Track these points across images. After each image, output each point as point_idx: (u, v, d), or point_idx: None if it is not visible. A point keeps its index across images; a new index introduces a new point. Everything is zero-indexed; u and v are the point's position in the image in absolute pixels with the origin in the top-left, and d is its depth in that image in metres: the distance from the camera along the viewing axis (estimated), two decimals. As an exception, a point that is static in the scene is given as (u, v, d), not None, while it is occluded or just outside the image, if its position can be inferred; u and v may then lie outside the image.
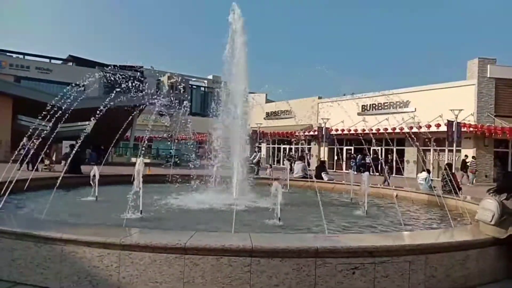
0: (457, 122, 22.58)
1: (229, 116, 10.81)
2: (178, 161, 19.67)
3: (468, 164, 24.40)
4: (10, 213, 6.42)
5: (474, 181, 23.86)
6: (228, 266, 3.78)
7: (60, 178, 7.57)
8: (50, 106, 8.59)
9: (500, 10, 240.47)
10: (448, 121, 22.98)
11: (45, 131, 8.77)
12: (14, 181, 7.63)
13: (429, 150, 28.17)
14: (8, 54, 59.29)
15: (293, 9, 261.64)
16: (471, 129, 24.83)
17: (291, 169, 17.77)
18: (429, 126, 25.53)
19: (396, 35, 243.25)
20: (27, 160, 13.92)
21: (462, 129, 23.51)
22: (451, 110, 22.68)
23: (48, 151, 18.89)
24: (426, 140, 22.88)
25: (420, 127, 25.36)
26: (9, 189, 6.94)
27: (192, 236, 4.01)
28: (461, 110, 22.77)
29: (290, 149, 40.43)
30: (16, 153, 12.37)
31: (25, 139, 18.06)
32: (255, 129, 37.32)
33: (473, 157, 25.02)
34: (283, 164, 27.94)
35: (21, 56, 60.31)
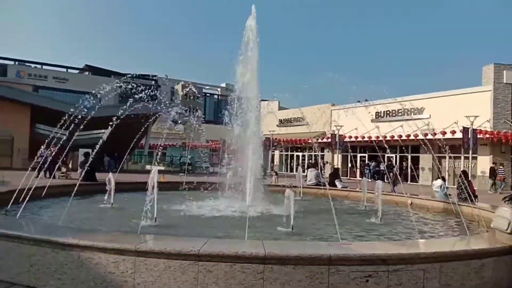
0: (473, 129, 22.28)
1: (242, 123, 10.87)
2: (192, 168, 19.80)
3: (497, 171, 23.95)
4: (28, 220, 6.57)
5: (503, 188, 23.32)
6: (241, 273, 3.81)
7: (77, 186, 7.70)
8: (67, 115, 8.78)
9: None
10: (464, 127, 22.71)
11: (62, 139, 8.95)
12: (32, 189, 7.79)
13: (445, 157, 27.82)
14: (26, 64, 60.72)
15: (305, 15, 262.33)
16: (487, 135, 24.46)
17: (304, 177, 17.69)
18: (444, 133, 25.24)
19: (410, 37, 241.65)
20: (44, 168, 14.18)
21: (478, 136, 23.19)
22: (466, 116, 22.42)
23: (65, 159, 19.20)
24: (441, 147, 22.63)
25: (435, 134, 25.08)
26: (28, 196, 7.09)
27: (206, 243, 4.05)
28: (477, 116, 22.49)
29: (304, 156, 40.32)
30: (34, 161, 12.60)
31: (42, 147, 18.44)
32: (268, 136, 37.37)
33: (501, 164, 24.57)
34: (296, 171, 27.94)
35: (39, 66, 61.70)
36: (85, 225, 6.89)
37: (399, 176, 23.74)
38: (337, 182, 15.60)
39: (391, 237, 7.09)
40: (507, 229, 4.79)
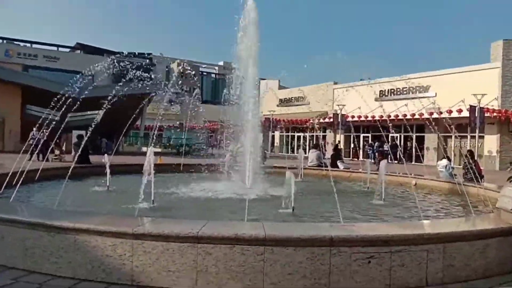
0: (480, 107, 22.23)
1: (240, 103, 10.85)
2: (190, 150, 19.84)
3: None
4: (22, 203, 6.62)
5: None
6: (241, 255, 3.86)
7: (71, 168, 7.74)
8: (59, 96, 8.75)
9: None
10: (471, 106, 22.65)
11: (54, 121, 8.94)
12: (25, 172, 7.83)
13: (450, 136, 27.85)
14: (15, 43, 60.02)
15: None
16: (495, 114, 24.42)
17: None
18: (450, 112, 25.19)
19: (415, 13, 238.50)
20: (37, 150, 14.20)
21: (485, 115, 23.15)
22: (473, 94, 22.34)
23: (58, 141, 19.22)
24: (447, 126, 22.62)
25: (441, 112, 25.03)
26: (21, 180, 7.13)
27: (205, 225, 4.09)
28: (484, 94, 22.41)
29: (305, 137, 40.36)
30: (26, 143, 12.63)
31: (34, 129, 18.42)
32: (268, 116, 37.34)
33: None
34: (297, 153, 28.02)
35: (28, 45, 61.00)
36: (81, 208, 6.95)
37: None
38: (339, 163, 15.68)
39: (394, 218, 7.17)
40: (511, 209, 4.84)
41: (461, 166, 14.13)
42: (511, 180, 5.25)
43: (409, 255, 4.06)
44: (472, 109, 22.48)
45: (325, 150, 27.05)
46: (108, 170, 9.32)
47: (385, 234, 4.16)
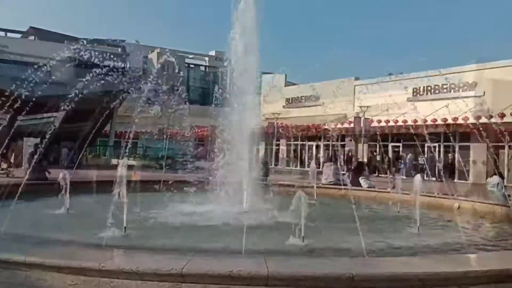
0: (541, 110, 22.30)
1: (236, 104, 10.88)
2: (172, 163, 19.85)
3: None
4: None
5: None
6: (237, 298, 3.85)
7: (22, 186, 7.74)
8: (7, 94, 8.78)
9: None
10: (529, 108, 22.72)
11: (0, 126, 8.97)
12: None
13: (503, 147, 27.84)
14: (-47, 27, 60.35)
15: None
16: (560, 118, 24.48)
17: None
18: (503, 115, 25.23)
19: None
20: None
21: (548, 119, 23.20)
22: (532, 93, 22.41)
23: (5, 151, 19.24)
24: (499, 134, 22.62)
25: (491, 116, 25.06)
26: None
27: (191, 260, 4.09)
28: (547, 93, 22.47)
29: (319, 146, 40.37)
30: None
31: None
32: (272, 121, 37.36)
33: None
34: (308, 167, 27.99)
35: (-31, 30, 61.34)
36: (34, 236, 6.93)
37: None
38: (361, 181, 15.66)
39: (431, 251, 7.15)
40: None
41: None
42: None
43: (450, 299, 4.06)
44: (530, 112, 22.56)
45: (350, 165, 27.03)
46: (67, 189, 9.31)
47: (421, 272, 4.15)
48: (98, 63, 11.33)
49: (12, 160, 22.59)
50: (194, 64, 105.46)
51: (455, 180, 27.95)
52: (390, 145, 35.52)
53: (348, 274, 3.95)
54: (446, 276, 4.17)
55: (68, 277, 4.04)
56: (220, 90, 11.32)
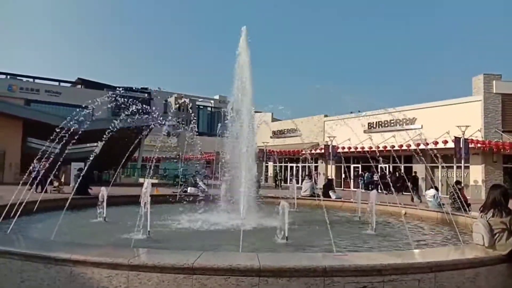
0: (465, 139, 22.46)
1: (236, 135, 10.89)
2: (185, 181, 19.69)
3: None
4: (19, 235, 6.48)
5: None
6: (236, 286, 3.77)
7: (69, 200, 7.63)
8: (59, 129, 8.73)
9: (503, 27, 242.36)
10: (456, 137, 22.87)
11: (54, 153, 8.89)
12: (24, 203, 7.71)
13: (437, 167, 27.96)
14: (18, 78, 60.47)
15: (297, 27, 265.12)
16: (479, 145, 24.65)
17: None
18: (436, 143, 25.40)
19: (399, 48, 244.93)
20: (36, 182, 14.05)
21: (470, 145, 23.35)
22: (458, 126, 22.61)
23: (57, 173, 19.03)
24: (434, 157, 22.74)
25: (427, 143, 25.21)
26: (19, 211, 7.01)
27: (200, 256, 4.02)
28: (468, 126, 22.70)
29: (298, 167, 40.34)
30: (26, 175, 12.47)
31: (34, 161, 18.26)
32: (262, 148, 37.37)
33: None
34: (290, 182, 27.99)
35: (31, 80, 61.46)
36: (77, 239, 6.81)
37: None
38: (331, 193, 15.63)
39: (385, 246, 7.09)
40: (483, 244, 4.81)
41: (448, 196, 14.12)
42: (480, 211, 5.18)
43: (401, 285, 4.00)
44: (457, 140, 22.69)
45: (317, 180, 26.98)
46: (105, 202, 9.19)
47: (379, 264, 4.08)
48: (130, 105, 11.33)
49: (62, 180, 22.34)
50: (203, 105, 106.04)
51: (402, 193, 27.92)
52: (352, 166, 35.53)
53: (322, 267, 3.90)
54: (397, 266, 4.11)
55: (104, 271, 3.95)
56: (222, 125, 11.35)
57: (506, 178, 26.01)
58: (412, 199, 19.03)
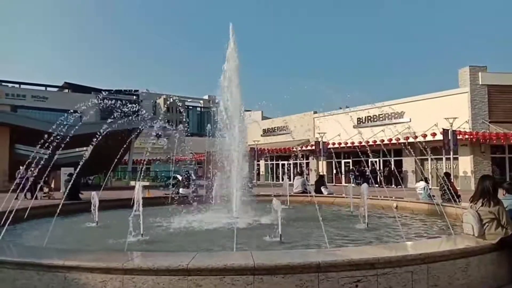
0: (453, 130, 22.71)
1: (226, 134, 10.87)
2: (176, 183, 19.60)
3: None
4: (11, 243, 6.40)
5: None
6: (231, 285, 3.78)
7: (60, 205, 7.56)
8: (47, 134, 8.63)
9: (488, 18, 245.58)
10: (444, 129, 23.13)
11: (43, 159, 8.79)
12: (14, 211, 7.61)
13: (427, 159, 28.25)
14: (3, 84, 59.66)
15: (286, 24, 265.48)
16: (467, 136, 24.96)
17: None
18: (425, 136, 25.65)
19: (387, 44, 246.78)
20: (26, 188, 13.87)
21: (458, 137, 23.63)
22: (445, 118, 22.86)
23: (47, 178, 18.83)
24: (423, 149, 23.00)
25: (416, 137, 25.47)
26: (9, 219, 6.93)
27: (194, 257, 4.02)
28: (456, 118, 22.95)
29: (289, 164, 40.45)
30: (15, 182, 12.31)
31: (21, 168, 18.05)
32: (252, 146, 37.37)
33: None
34: (282, 181, 28.01)
35: (16, 86, 60.68)
36: (70, 245, 6.76)
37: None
38: (323, 189, 15.69)
39: (378, 240, 7.15)
40: (473, 234, 4.91)
41: (438, 188, 14.28)
42: (471, 201, 5.30)
43: (395, 277, 4.04)
44: (445, 132, 22.95)
45: (308, 176, 27.05)
46: (96, 206, 9.12)
47: (372, 257, 4.12)
48: (118, 108, 11.24)
49: (52, 185, 22.09)
50: (192, 106, 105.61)
51: (393, 186, 28.17)
52: (343, 161, 35.73)
53: (315, 262, 3.92)
54: (390, 259, 4.15)
55: (99, 276, 3.93)
56: (211, 125, 11.31)
57: (494, 168, 26.39)
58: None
